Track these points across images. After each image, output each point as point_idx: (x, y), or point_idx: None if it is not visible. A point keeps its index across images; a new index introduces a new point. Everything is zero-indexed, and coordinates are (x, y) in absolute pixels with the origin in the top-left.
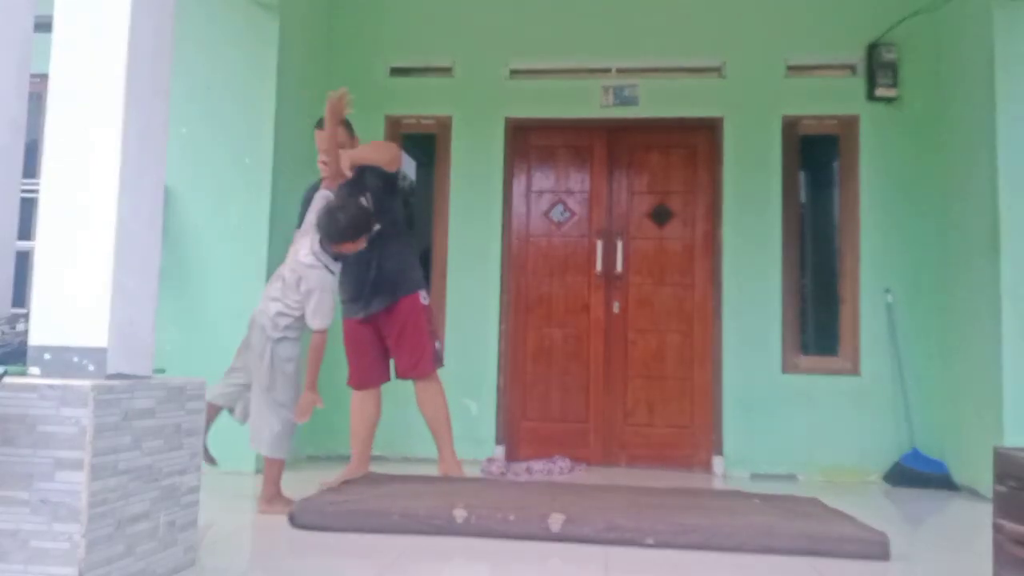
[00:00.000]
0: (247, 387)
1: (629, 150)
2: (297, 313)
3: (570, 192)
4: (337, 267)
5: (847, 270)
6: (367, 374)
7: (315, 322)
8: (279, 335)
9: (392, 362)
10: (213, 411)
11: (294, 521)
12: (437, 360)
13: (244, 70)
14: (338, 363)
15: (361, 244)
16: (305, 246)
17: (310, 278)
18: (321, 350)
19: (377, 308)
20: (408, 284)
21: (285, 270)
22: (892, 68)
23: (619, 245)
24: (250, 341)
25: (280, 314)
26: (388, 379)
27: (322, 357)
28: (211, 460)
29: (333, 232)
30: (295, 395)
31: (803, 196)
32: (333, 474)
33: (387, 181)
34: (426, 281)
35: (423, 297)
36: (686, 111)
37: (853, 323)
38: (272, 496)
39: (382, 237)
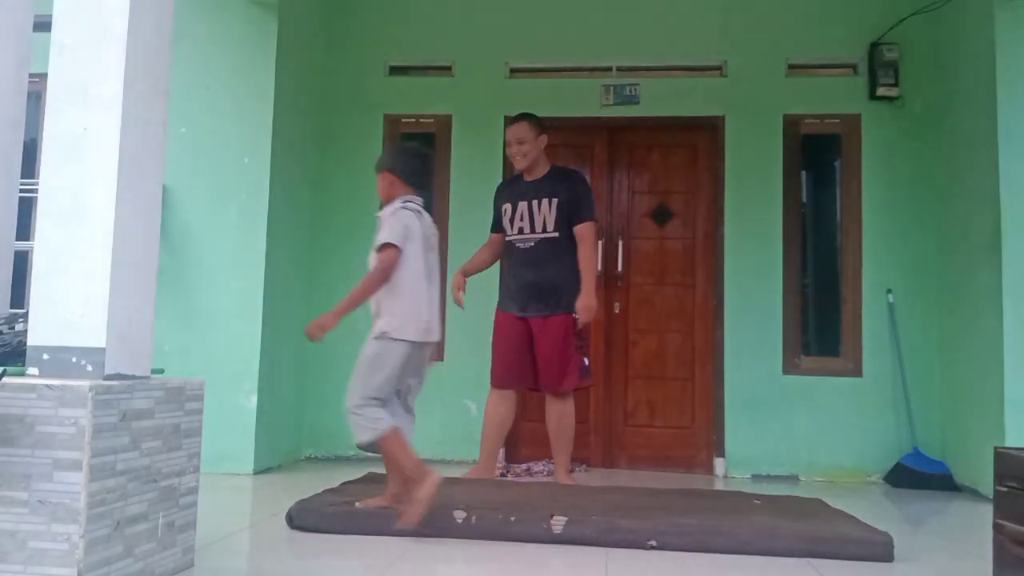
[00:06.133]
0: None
1: (630, 149)
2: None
3: None
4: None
5: (849, 270)
6: (509, 372)
7: (379, 237)
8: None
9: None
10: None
11: (293, 522)
12: (584, 375)
13: (243, 70)
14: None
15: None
16: None
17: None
18: (378, 276)
19: (533, 314)
20: (565, 303)
21: None
22: (893, 67)
23: (620, 245)
24: None
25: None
26: (530, 386)
27: (373, 288)
28: None
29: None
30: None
31: (804, 196)
32: (332, 476)
33: (583, 198)
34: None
35: (575, 318)
36: (687, 110)
37: (854, 323)
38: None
39: (556, 246)
